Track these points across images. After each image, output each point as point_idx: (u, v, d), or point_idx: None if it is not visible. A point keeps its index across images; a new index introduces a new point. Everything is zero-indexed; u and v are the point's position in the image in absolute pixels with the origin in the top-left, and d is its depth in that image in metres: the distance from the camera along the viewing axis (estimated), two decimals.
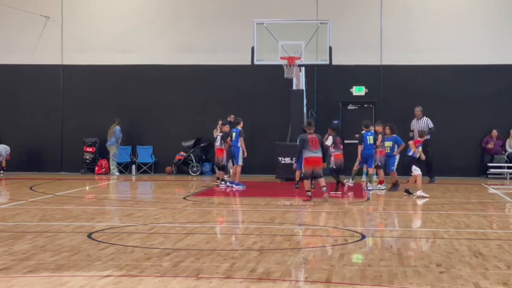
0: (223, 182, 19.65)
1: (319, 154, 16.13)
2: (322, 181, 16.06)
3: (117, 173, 24.39)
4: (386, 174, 19.13)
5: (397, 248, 10.09)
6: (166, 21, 25.20)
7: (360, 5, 24.59)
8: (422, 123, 22.07)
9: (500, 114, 23.61)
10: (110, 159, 24.52)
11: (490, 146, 23.39)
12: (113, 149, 24.45)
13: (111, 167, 24.58)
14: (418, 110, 22.35)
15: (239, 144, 19.12)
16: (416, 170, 17.18)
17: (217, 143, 19.81)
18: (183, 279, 8.12)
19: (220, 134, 19.79)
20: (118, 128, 24.33)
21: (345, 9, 24.35)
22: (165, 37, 25.12)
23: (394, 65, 24.22)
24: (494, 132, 23.49)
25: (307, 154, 15.95)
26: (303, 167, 16.55)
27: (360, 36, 24.25)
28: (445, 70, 24.08)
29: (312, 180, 16.68)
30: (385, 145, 18.79)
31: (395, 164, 18.96)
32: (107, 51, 25.04)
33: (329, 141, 18.02)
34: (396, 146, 18.84)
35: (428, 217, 13.66)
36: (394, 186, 18.63)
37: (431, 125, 22.08)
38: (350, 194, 17.95)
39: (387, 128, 18.97)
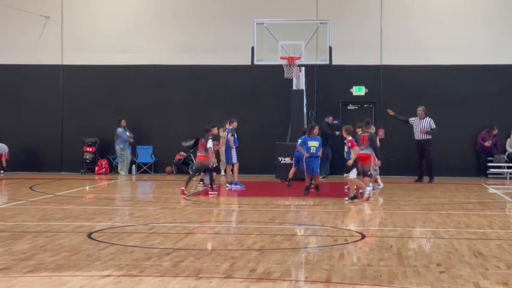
0: (201, 183, 19.53)
1: (368, 151, 16.54)
2: (367, 181, 16.36)
3: (123, 173, 24.37)
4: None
5: (397, 248, 10.09)
6: (166, 21, 25.21)
7: (359, 5, 24.61)
8: (424, 124, 22.08)
9: (500, 114, 23.63)
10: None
11: (487, 144, 23.34)
12: (117, 150, 24.46)
13: (118, 167, 24.58)
14: (420, 109, 22.35)
15: (231, 143, 19.14)
16: (352, 173, 16.61)
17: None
18: (183, 279, 8.12)
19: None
20: (119, 129, 24.33)
21: (344, 9, 24.36)
22: (165, 37, 25.14)
23: (394, 65, 24.24)
24: (494, 130, 23.44)
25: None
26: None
27: (359, 36, 24.27)
28: (445, 70, 24.10)
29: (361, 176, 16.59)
30: (310, 145, 17.50)
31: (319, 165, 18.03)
32: (107, 51, 25.06)
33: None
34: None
35: (428, 217, 13.66)
36: (315, 189, 17.73)
37: (433, 126, 22.09)
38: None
39: (316, 128, 17.97)
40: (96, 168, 24.82)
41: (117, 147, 24.45)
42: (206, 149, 17.77)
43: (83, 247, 10.06)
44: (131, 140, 24.55)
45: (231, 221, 13.96)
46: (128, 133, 24.50)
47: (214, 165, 18.65)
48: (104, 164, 24.88)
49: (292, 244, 10.69)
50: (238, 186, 19.09)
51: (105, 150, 24.99)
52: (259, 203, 16.19)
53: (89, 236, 11.03)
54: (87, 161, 24.88)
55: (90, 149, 24.89)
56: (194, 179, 19.32)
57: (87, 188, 20.25)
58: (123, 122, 24.45)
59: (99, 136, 25.02)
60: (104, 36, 25.23)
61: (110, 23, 25.26)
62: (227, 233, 12.18)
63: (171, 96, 24.95)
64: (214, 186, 17.90)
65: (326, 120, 23.57)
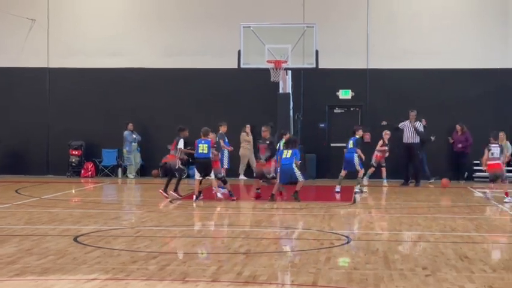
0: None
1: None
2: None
3: (132, 177, 24.35)
4: None
5: (383, 251, 10.11)
6: (153, 24, 25.20)
7: (346, 9, 24.69)
8: (414, 127, 22.21)
9: (485, 118, 23.67)
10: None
11: (451, 141, 23.39)
12: (124, 153, 24.53)
13: (127, 171, 24.72)
14: (412, 113, 22.47)
15: (223, 147, 19.18)
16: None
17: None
18: (169, 282, 8.10)
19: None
20: (125, 132, 24.34)
21: (331, 13, 24.42)
22: (152, 40, 25.12)
23: (380, 68, 24.33)
24: (458, 127, 23.45)
25: None
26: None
27: (346, 40, 24.34)
28: (431, 74, 24.20)
29: None
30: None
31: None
32: (93, 54, 25.01)
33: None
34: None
35: (414, 220, 13.70)
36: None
37: (421, 129, 22.23)
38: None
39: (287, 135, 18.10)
40: (82, 171, 24.73)
41: (124, 151, 24.45)
42: (176, 149, 17.71)
43: (69, 250, 10.02)
44: (135, 143, 24.47)
45: (218, 224, 13.94)
46: (135, 136, 24.45)
47: (177, 167, 17.91)
48: (90, 167, 24.80)
49: (278, 247, 10.70)
50: (225, 190, 19.03)
51: (91, 153, 24.91)
52: (246, 207, 16.19)
53: (75, 239, 10.99)
54: (73, 164, 24.80)
55: (76, 152, 24.81)
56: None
57: (73, 191, 20.18)
58: (130, 126, 24.42)
59: (86, 139, 24.95)
60: (90, 40, 25.16)
61: (97, 27, 25.20)
62: (214, 236, 12.16)
63: (158, 99, 24.91)
64: (177, 190, 17.50)
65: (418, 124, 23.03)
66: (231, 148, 20.03)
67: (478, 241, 11.39)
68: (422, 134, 22.27)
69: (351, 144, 18.76)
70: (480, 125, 23.19)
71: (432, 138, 23.00)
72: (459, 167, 23.73)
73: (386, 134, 22.12)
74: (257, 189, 17.77)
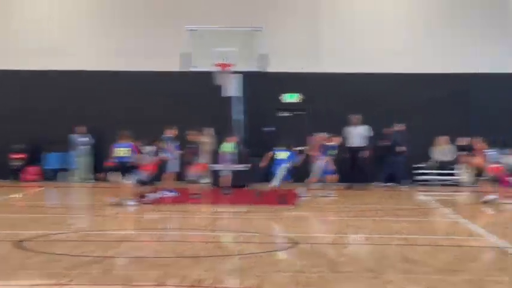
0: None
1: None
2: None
3: (78, 180, 24.02)
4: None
5: (329, 254, 10.15)
6: (99, 27, 24.95)
7: (294, 12, 24.78)
8: (358, 131, 22.41)
9: (436, 123, 23.89)
10: None
11: (385, 143, 23.67)
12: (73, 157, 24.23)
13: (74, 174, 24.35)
14: (356, 118, 22.63)
15: (171, 151, 19.08)
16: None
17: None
18: (113, 287, 7.99)
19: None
20: (73, 136, 23.99)
21: (279, 16, 24.50)
22: (98, 43, 24.84)
23: (326, 72, 24.46)
24: (386, 130, 23.69)
25: None
26: None
27: (293, 43, 24.44)
28: (379, 78, 24.41)
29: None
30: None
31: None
32: (37, 56, 24.55)
33: None
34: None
35: (360, 223, 13.81)
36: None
37: (370, 133, 22.44)
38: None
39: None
40: (25, 175, 24.28)
41: (73, 154, 24.14)
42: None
43: (11, 256, 9.81)
44: (84, 146, 24.10)
45: (164, 228, 13.82)
46: (85, 139, 24.09)
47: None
48: (32, 171, 24.36)
49: (224, 251, 10.66)
50: (172, 193, 18.95)
51: (34, 157, 24.47)
52: (192, 210, 16.11)
53: (18, 244, 10.76)
54: (15, 168, 24.33)
55: (19, 156, 24.35)
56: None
57: (16, 196, 19.79)
58: (80, 128, 24.08)
59: (28, 143, 24.50)
60: (34, 41, 24.73)
61: (41, 28, 24.82)
62: (159, 240, 12.05)
63: (104, 103, 24.63)
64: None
65: (396, 129, 23.10)
66: (179, 152, 19.75)
67: (422, 243, 11.54)
68: (368, 138, 22.42)
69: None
70: (431, 130, 23.50)
71: (403, 148, 23.14)
72: (396, 169, 23.85)
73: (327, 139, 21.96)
74: (195, 194, 17.81)
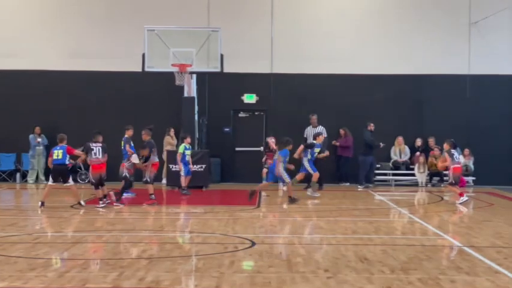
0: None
1: None
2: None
3: (31, 181, 23.87)
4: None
5: (286, 255, 10.20)
6: (55, 26, 24.74)
7: (251, 14, 24.86)
8: (317, 132, 22.43)
9: (385, 122, 24.21)
10: None
11: (336, 143, 23.88)
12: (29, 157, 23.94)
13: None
14: (314, 118, 22.70)
15: (129, 152, 18.91)
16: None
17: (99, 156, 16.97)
18: None
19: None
20: (30, 136, 23.82)
21: (236, 18, 24.55)
22: (54, 43, 24.62)
23: (284, 73, 24.61)
24: (342, 131, 23.91)
25: None
26: None
27: (251, 44, 24.51)
28: (334, 79, 24.65)
29: None
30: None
31: None
32: None
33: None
34: None
35: (317, 223, 13.89)
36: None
37: (325, 134, 22.49)
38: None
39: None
40: None
41: (29, 155, 23.82)
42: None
43: None
44: (39, 147, 23.77)
45: (121, 229, 13.72)
46: (40, 140, 23.76)
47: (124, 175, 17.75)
48: None
49: (182, 252, 10.63)
50: (129, 194, 18.82)
51: None
52: (149, 211, 16.03)
53: None
54: None
55: None
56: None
57: None
58: (36, 129, 23.75)
59: None
60: None
61: None
62: (116, 241, 11.96)
63: (61, 103, 24.41)
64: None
65: (369, 128, 23.31)
66: (132, 152, 19.51)
67: (377, 243, 11.66)
68: (325, 138, 22.52)
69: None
70: (381, 130, 23.72)
71: (381, 144, 23.30)
72: (340, 170, 24.05)
73: (272, 140, 21.84)
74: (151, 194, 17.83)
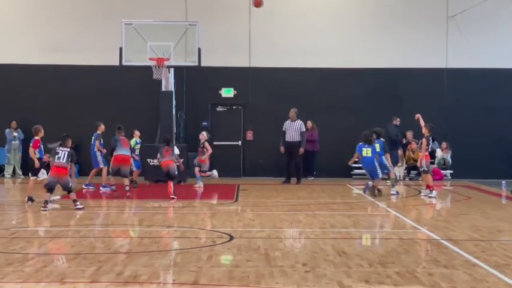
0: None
1: None
2: None
3: (8, 175, 23.63)
4: None
5: (264, 249, 10.20)
6: (32, 19, 24.54)
7: (228, 7, 24.82)
8: (296, 126, 22.44)
9: (361, 116, 24.24)
10: None
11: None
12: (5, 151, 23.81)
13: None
14: (292, 111, 22.64)
15: (95, 148, 19.02)
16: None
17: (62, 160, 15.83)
18: (46, 284, 7.87)
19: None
20: (6, 130, 23.68)
21: (213, 11, 24.48)
22: (30, 36, 24.43)
23: (261, 67, 24.61)
24: (309, 123, 23.84)
25: None
26: None
27: (228, 38, 24.47)
28: (311, 73, 24.67)
29: None
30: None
31: None
32: None
33: None
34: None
35: (295, 217, 13.90)
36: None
37: (303, 129, 22.49)
38: None
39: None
40: None
41: (5, 149, 23.72)
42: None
43: None
44: (15, 141, 23.56)
45: (98, 224, 13.66)
46: (16, 134, 23.56)
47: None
48: None
49: (160, 247, 10.60)
50: (108, 188, 18.75)
51: None
52: (127, 206, 15.97)
53: None
54: None
55: None
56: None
57: None
58: (12, 123, 23.57)
59: None
60: None
61: None
62: (93, 236, 11.91)
63: (37, 97, 24.22)
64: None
65: (394, 123, 23.32)
66: (104, 150, 19.42)
67: (355, 237, 11.70)
68: (304, 133, 22.54)
69: (377, 147, 18.21)
70: (358, 124, 23.75)
71: (404, 140, 23.46)
72: (307, 163, 23.93)
73: (203, 136, 20.94)
74: (112, 185, 18.31)
